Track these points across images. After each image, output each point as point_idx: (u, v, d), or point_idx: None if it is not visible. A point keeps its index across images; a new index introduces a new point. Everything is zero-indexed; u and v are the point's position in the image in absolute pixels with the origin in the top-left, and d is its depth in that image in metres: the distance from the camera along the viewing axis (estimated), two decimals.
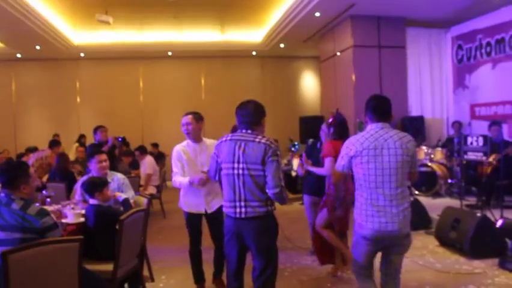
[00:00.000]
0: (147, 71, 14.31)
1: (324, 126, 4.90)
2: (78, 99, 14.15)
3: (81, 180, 4.69)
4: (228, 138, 3.13)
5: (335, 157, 4.11)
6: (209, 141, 4.28)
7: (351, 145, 3.07)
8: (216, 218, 4.17)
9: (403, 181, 3.02)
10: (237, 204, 3.02)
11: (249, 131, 3.11)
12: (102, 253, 3.73)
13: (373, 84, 10.05)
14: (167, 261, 5.44)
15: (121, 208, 4.12)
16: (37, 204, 4.82)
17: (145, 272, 4.67)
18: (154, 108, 14.21)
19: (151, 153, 12.03)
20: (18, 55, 12.90)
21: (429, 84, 10.34)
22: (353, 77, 10.08)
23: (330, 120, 4.75)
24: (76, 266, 2.93)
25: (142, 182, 8.12)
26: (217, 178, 3.31)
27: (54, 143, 8.13)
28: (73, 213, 3.96)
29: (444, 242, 5.57)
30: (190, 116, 4.20)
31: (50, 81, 13.79)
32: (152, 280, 4.72)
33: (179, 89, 14.26)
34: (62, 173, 6.75)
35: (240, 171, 3.01)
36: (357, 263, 3.21)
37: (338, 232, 4.62)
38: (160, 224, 7.75)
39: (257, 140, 3.03)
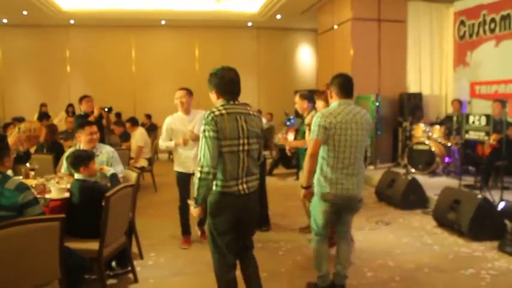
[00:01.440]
0: (139, 40, 13.92)
1: (319, 101, 4.65)
2: (68, 68, 13.77)
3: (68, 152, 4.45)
4: (224, 111, 2.80)
5: None
6: (195, 112, 4.95)
7: (326, 118, 3.25)
8: None
9: (362, 153, 3.39)
10: (241, 181, 2.87)
11: (237, 102, 2.92)
12: (87, 231, 3.54)
13: (371, 58, 9.82)
14: (157, 237, 5.26)
15: (108, 184, 3.90)
16: (20, 177, 4.62)
17: (134, 249, 4.52)
18: (147, 78, 13.89)
19: (143, 125, 11.79)
20: (5, 20, 12.44)
21: (429, 60, 10.10)
22: (351, 51, 9.82)
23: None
24: (56, 246, 2.73)
25: (132, 155, 7.90)
26: (216, 164, 2.78)
27: (44, 116, 7.84)
28: (57, 188, 3.74)
29: (443, 222, 5.44)
30: (183, 91, 4.91)
31: (39, 49, 13.37)
32: (142, 258, 4.54)
33: (172, 59, 13.92)
34: (51, 144, 6.51)
35: (246, 147, 2.87)
36: (317, 223, 3.50)
37: None
38: (151, 198, 7.57)
39: (251, 112, 2.96)
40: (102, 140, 6.65)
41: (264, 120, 13.22)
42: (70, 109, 11.06)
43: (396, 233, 5.33)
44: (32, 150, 6.98)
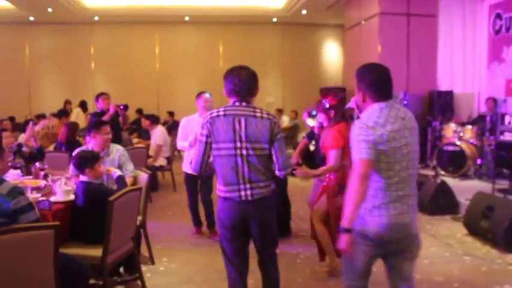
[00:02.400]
0: (163, 37, 13.84)
1: (320, 114, 4.12)
2: (92, 65, 13.81)
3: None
4: (221, 113, 2.67)
5: (343, 147, 3.65)
6: None
7: (373, 129, 2.32)
8: (209, 176, 4.83)
9: (417, 166, 2.50)
10: (242, 187, 2.67)
11: (244, 104, 2.70)
12: (92, 236, 3.36)
13: (400, 55, 9.43)
14: (172, 241, 5.09)
15: (115, 186, 3.71)
16: (30, 177, 4.49)
17: (146, 253, 4.35)
18: (170, 75, 13.80)
19: (166, 122, 11.67)
20: (31, 18, 12.53)
21: (461, 56, 9.62)
22: (379, 48, 9.45)
23: (329, 103, 3.94)
24: (51, 256, 2.55)
25: (151, 153, 7.76)
26: (204, 170, 2.77)
27: (63, 113, 7.79)
28: (63, 190, 3.57)
29: (474, 231, 5.06)
30: (211, 96, 5.09)
31: (64, 46, 13.44)
32: (153, 263, 4.36)
33: (196, 56, 13.79)
34: (70, 143, 6.41)
35: (244, 152, 2.63)
36: (352, 269, 2.48)
37: (331, 233, 3.92)
38: (171, 198, 7.40)
39: (258, 114, 2.67)
40: (119, 139, 6.53)
41: (287, 118, 12.97)
42: (83, 105, 10.89)
43: (424, 241, 4.88)
44: (52, 147, 6.94)
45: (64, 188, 3.60)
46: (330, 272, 4.04)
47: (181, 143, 5.13)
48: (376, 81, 2.45)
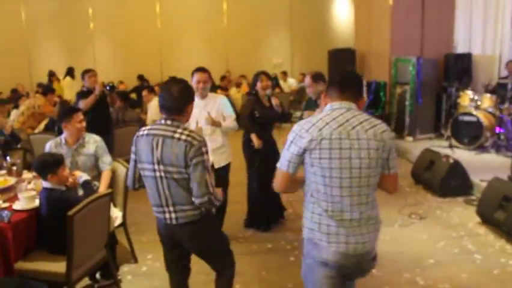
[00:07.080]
0: None
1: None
2: (92, 27, 13.24)
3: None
4: (145, 132, 2.53)
5: None
6: (212, 96, 4.30)
7: (303, 131, 2.09)
8: (224, 170, 4.29)
9: (375, 186, 2.17)
10: (166, 209, 2.55)
11: (169, 122, 2.50)
12: (58, 247, 3.05)
13: (413, 14, 8.75)
14: None
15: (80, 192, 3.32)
16: (3, 172, 4.13)
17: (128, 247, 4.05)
18: (173, 36, 13.26)
19: None
20: None
21: (482, 15, 8.82)
22: (391, 4, 8.72)
23: None
24: None
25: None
26: (136, 186, 2.70)
27: (49, 90, 7.37)
28: (25, 196, 3.22)
29: (488, 220, 4.63)
30: (206, 74, 4.12)
31: (61, 9, 12.90)
32: (136, 261, 4.07)
33: (199, 14, 13.16)
34: None
35: (162, 174, 2.48)
36: None
37: None
38: None
39: (176, 135, 2.43)
40: (108, 120, 6.16)
41: (293, 81, 12.44)
42: (53, 78, 10.21)
43: (431, 232, 4.58)
44: (42, 126, 6.61)
45: (26, 194, 3.25)
46: None
47: None
48: (338, 77, 2.28)
